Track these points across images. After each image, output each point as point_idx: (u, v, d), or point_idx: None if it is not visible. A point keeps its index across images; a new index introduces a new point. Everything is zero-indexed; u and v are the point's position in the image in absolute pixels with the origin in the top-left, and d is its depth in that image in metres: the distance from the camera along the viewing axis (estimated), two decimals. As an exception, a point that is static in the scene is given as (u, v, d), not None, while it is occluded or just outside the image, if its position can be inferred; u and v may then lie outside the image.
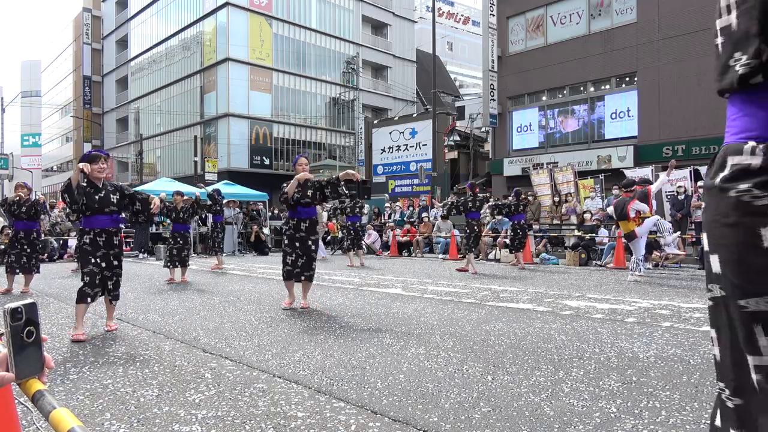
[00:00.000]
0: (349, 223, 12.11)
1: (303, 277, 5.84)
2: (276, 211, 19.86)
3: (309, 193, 5.72)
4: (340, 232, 17.32)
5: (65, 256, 14.32)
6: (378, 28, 42.74)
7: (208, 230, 13.62)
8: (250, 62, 35.08)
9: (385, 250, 15.95)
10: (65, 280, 9.25)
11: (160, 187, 17.81)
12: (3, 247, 13.52)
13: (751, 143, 0.89)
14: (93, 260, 4.55)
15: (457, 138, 27.38)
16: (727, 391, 0.96)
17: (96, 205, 4.56)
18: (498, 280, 8.76)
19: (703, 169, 13.25)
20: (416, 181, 26.03)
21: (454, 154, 27.08)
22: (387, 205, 19.12)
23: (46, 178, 58.56)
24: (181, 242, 9.10)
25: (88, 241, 4.57)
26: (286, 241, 5.91)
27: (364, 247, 12.71)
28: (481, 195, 10.45)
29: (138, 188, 19.99)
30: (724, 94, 0.99)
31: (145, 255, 15.44)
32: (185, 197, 9.76)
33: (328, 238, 17.55)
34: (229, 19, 34.53)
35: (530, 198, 14.37)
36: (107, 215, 4.64)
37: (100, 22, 51.64)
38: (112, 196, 4.66)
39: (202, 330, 4.75)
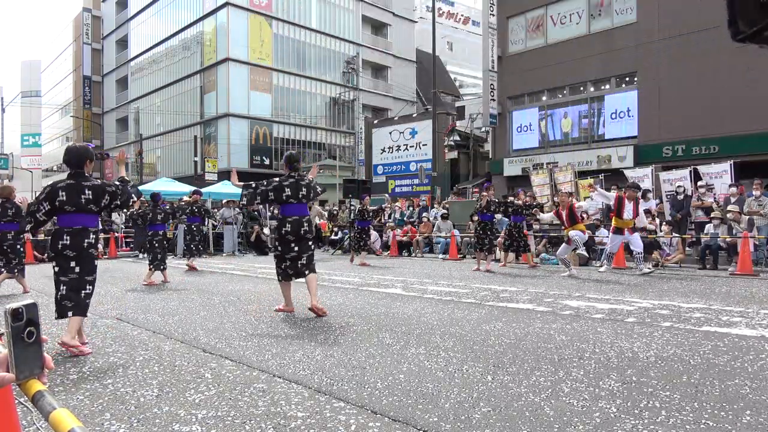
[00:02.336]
0: (360, 227, 12.68)
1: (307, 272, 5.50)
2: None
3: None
4: (339, 233, 17.38)
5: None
6: (378, 28, 42.75)
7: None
8: (250, 62, 35.09)
9: (385, 250, 15.95)
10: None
11: (161, 188, 17.82)
12: None
13: None
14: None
15: (457, 138, 27.36)
16: None
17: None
18: (498, 280, 8.76)
19: (702, 169, 13.25)
20: (416, 181, 26.04)
21: (454, 154, 27.07)
22: (386, 204, 19.09)
23: (46, 178, 58.53)
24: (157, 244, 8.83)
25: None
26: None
27: (369, 248, 13.36)
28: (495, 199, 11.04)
29: (138, 188, 20.00)
30: None
31: (145, 255, 15.42)
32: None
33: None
34: (229, 19, 34.53)
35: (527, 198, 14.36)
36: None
37: (100, 22, 51.66)
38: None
39: (202, 330, 4.75)
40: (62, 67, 57.00)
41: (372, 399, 2.87)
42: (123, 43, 47.72)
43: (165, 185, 18.56)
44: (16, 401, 1.74)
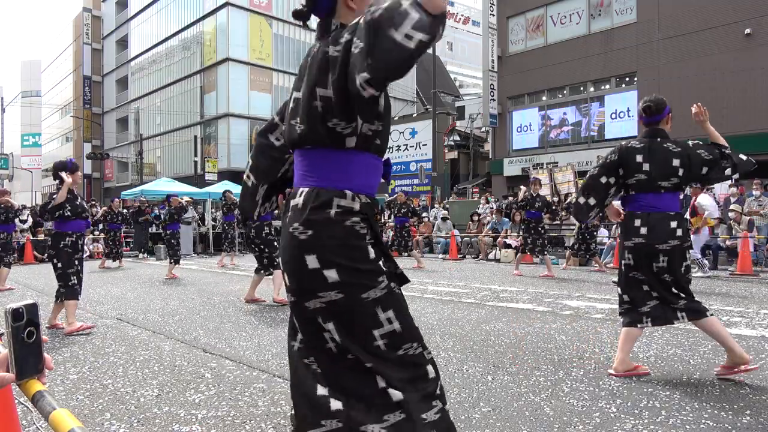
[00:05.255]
0: (398, 225, 11.96)
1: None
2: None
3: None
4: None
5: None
6: (378, 28, 42.74)
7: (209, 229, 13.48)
8: (250, 62, 35.08)
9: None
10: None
11: (160, 188, 17.83)
12: None
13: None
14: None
15: (457, 138, 27.35)
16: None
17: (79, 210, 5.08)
18: (498, 280, 8.76)
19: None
20: (416, 181, 26.02)
21: (454, 154, 27.06)
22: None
23: (46, 178, 58.53)
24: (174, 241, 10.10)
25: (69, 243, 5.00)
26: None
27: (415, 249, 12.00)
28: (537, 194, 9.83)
29: (138, 188, 20.04)
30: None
31: (145, 255, 15.45)
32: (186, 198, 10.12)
33: None
34: (229, 19, 34.52)
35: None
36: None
37: (100, 22, 51.61)
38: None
39: (202, 330, 4.75)
40: (62, 67, 56.95)
41: (372, 399, 2.86)
42: (123, 43, 47.67)
43: (165, 185, 18.55)
44: (16, 401, 1.74)
